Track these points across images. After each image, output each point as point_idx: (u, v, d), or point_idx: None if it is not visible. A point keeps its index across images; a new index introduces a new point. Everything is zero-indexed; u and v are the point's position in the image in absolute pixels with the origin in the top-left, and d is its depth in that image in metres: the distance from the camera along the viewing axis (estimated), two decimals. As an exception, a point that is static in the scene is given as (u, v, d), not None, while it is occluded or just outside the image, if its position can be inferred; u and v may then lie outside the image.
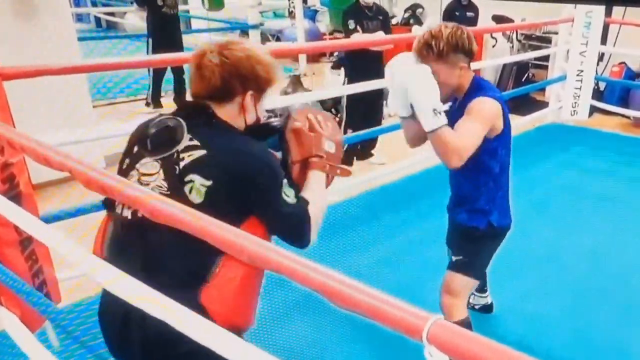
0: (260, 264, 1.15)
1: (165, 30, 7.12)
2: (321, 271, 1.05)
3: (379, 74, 4.69)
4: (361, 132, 4.70)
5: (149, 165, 1.60)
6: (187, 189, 1.52)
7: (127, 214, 1.59)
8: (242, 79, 1.64)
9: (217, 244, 1.26)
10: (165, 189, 1.55)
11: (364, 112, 5.42)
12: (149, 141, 1.63)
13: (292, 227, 1.68)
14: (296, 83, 7.25)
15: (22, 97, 3.10)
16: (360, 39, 5.11)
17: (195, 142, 1.57)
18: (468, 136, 2.16)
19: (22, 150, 1.85)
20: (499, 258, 2.54)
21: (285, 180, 1.64)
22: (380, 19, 5.30)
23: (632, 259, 3.72)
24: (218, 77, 1.62)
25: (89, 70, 4.46)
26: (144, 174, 1.59)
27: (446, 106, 2.22)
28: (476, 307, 3.15)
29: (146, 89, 7.50)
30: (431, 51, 2.21)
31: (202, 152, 1.56)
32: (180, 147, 1.57)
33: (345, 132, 5.28)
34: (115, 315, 1.62)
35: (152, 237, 1.55)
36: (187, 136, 1.58)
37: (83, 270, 1.55)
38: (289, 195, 1.63)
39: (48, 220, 2.63)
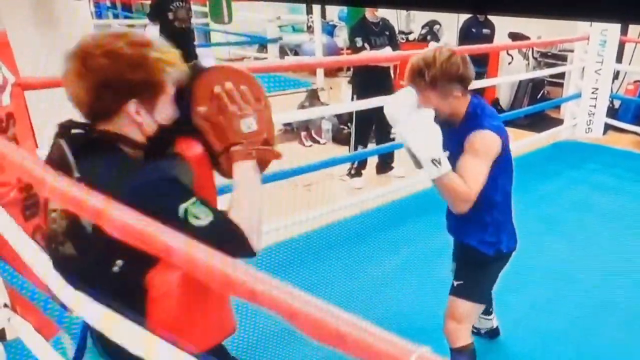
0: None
1: (177, 45, 7.09)
2: (286, 291, 0.85)
3: (387, 90, 4.71)
4: (375, 147, 4.71)
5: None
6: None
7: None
8: (114, 89, 1.30)
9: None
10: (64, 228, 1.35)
11: (375, 127, 5.46)
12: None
13: (220, 244, 1.18)
14: (313, 97, 7.33)
15: (43, 107, 3.16)
16: (370, 55, 5.13)
17: (78, 175, 1.29)
18: (474, 179, 2.09)
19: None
20: (507, 273, 2.53)
21: (190, 202, 1.28)
22: (387, 35, 5.31)
23: (640, 276, 3.71)
24: (83, 93, 1.29)
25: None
26: (52, 210, 1.38)
27: (447, 153, 2.08)
28: (482, 331, 3.06)
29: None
30: (422, 80, 2.12)
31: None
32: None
33: (356, 149, 5.34)
34: None
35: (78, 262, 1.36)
36: (75, 166, 1.30)
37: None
38: (199, 216, 1.28)
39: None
